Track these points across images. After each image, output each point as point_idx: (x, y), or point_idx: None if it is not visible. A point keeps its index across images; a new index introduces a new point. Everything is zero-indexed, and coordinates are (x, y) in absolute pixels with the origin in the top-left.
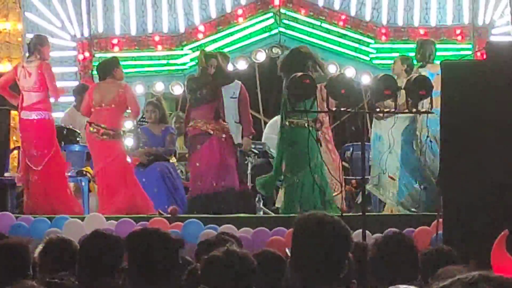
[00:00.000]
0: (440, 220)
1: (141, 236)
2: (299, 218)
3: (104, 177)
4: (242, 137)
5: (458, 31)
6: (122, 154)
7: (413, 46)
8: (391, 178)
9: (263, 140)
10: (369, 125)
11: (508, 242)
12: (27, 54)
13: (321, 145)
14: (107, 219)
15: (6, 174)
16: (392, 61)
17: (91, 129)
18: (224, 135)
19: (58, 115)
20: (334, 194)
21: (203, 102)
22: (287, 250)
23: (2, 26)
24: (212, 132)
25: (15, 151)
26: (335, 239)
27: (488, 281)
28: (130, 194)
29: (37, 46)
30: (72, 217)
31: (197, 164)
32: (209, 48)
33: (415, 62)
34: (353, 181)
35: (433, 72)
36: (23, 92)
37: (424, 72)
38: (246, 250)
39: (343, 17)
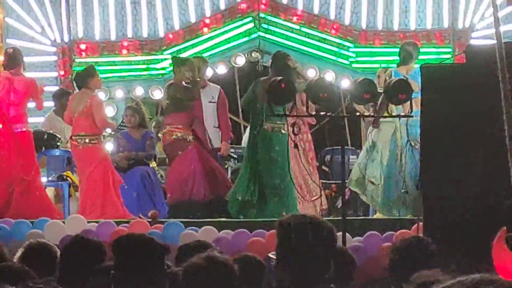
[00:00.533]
0: (421, 223)
1: (127, 242)
2: (282, 220)
3: (90, 183)
4: (221, 141)
5: (437, 35)
6: (105, 158)
7: (392, 50)
8: (371, 182)
9: (243, 143)
10: (364, 132)
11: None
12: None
13: (298, 149)
14: (88, 221)
15: None
16: (371, 65)
17: (74, 141)
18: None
19: (38, 120)
20: (313, 199)
21: (183, 109)
22: (270, 255)
23: None
24: (191, 139)
25: None
26: (320, 238)
27: (490, 283)
28: (115, 200)
29: (20, 59)
30: (52, 220)
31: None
32: (188, 53)
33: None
34: (333, 185)
35: (404, 73)
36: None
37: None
38: (227, 256)
39: (322, 21)
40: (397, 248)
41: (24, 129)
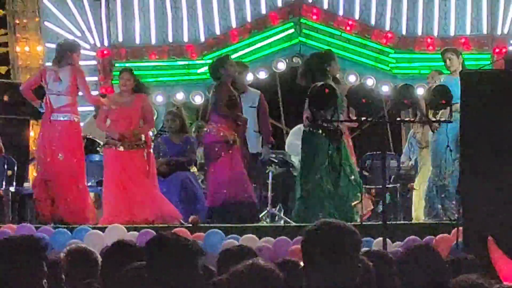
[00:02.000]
0: (460, 228)
1: (160, 243)
2: (309, 227)
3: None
4: (262, 146)
5: (476, 41)
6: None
7: (432, 56)
8: (413, 187)
9: (286, 148)
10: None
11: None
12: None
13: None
14: (128, 229)
15: (25, 185)
16: (411, 71)
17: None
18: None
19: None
20: (354, 203)
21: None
22: (301, 263)
23: (22, 49)
24: (234, 141)
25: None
26: (344, 244)
27: None
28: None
29: (67, 52)
30: (93, 228)
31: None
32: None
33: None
34: (373, 190)
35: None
36: (51, 95)
37: (444, 78)
38: (271, 264)
39: (363, 27)
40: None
41: (69, 119)
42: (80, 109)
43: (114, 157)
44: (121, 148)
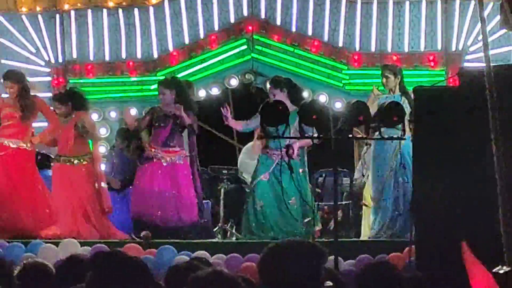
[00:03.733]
0: (413, 246)
1: (107, 257)
2: (269, 247)
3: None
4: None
5: (431, 57)
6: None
7: None
8: (364, 204)
9: (238, 166)
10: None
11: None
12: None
13: (292, 172)
14: (82, 244)
15: None
16: (364, 87)
17: None
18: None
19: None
20: (306, 220)
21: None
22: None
23: None
24: (158, 158)
25: None
26: (307, 262)
27: None
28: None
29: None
30: (47, 242)
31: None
32: (182, 74)
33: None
34: (325, 207)
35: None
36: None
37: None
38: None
39: (316, 43)
40: (362, 274)
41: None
42: (34, 124)
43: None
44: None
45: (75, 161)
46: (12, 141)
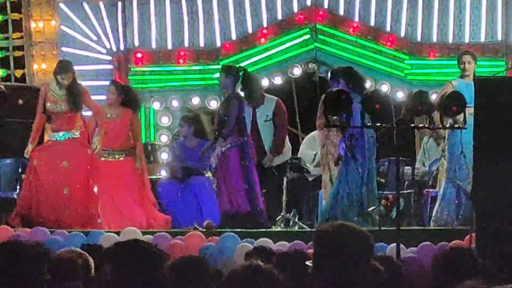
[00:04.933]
0: (473, 234)
1: (121, 249)
2: (319, 229)
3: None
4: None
5: (491, 48)
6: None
7: (446, 62)
8: (427, 193)
9: (299, 154)
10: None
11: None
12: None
13: (356, 160)
14: (143, 233)
15: None
16: (426, 77)
17: None
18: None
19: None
20: (370, 209)
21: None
22: (307, 263)
23: (38, 53)
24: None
25: None
26: (355, 247)
27: None
28: None
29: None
30: (108, 232)
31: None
32: (244, 63)
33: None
34: (390, 196)
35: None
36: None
37: (456, 83)
38: (270, 266)
39: (378, 33)
40: (439, 258)
41: (71, 136)
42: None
43: (104, 168)
44: (110, 159)
45: (122, 156)
46: (60, 133)
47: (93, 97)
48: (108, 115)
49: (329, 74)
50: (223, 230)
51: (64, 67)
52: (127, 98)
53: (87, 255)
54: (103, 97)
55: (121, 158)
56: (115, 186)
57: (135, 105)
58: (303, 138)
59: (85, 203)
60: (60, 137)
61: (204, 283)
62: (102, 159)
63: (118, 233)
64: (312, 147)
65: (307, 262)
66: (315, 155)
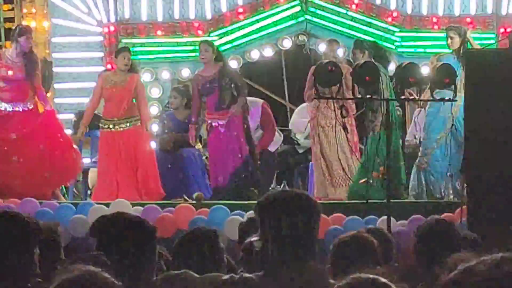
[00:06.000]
0: (464, 207)
1: (109, 223)
2: (260, 201)
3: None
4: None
5: (481, 20)
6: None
7: (436, 35)
8: (418, 166)
9: (290, 125)
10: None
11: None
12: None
13: (348, 131)
14: (133, 205)
15: None
16: (416, 50)
17: None
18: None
19: (84, 101)
20: (360, 181)
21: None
22: (252, 239)
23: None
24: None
25: None
26: (302, 213)
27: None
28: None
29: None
30: (97, 203)
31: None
32: (234, 35)
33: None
34: (381, 168)
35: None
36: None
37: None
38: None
39: (368, 5)
40: (420, 232)
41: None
42: (86, 85)
43: (108, 138)
44: (115, 128)
45: (127, 124)
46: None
47: (83, 69)
48: (113, 81)
49: (353, 44)
50: (213, 202)
51: (26, 29)
52: (133, 63)
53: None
54: (93, 68)
55: (126, 128)
56: (117, 159)
57: (137, 69)
58: (291, 109)
59: (37, 172)
60: (13, 108)
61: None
62: (105, 129)
63: (108, 204)
64: (305, 116)
65: (251, 239)
66: (308, 122)
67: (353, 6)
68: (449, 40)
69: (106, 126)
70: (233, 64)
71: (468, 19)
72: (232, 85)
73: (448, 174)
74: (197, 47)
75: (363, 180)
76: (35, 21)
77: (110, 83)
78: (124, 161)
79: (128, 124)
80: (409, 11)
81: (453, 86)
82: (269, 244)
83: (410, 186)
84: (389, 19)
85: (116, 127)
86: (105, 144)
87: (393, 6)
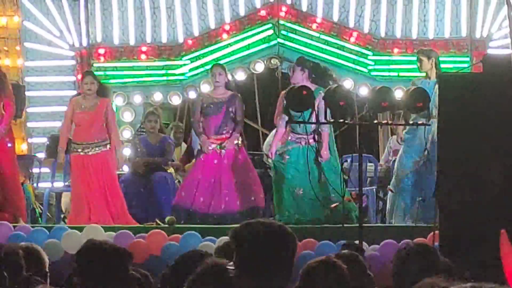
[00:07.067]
0: (437, 232)
1: (89, 249)
2: (237, 229)
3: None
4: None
5: (455, 44)
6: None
7: (410, 58)
8: (390, 190)
9: (263, 148)
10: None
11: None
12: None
13: (320, 156)
14: (105, 229)
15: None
16: (389, 73)
17: None
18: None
19: (57, 124)
20: (333, 206)
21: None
22: (228, 266)
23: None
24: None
25: None
26: (278, 245)
27: None
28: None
29: None
30: (71, 227)
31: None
32: (207, 59)
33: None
34: (353, 192)
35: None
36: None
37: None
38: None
39: (342, 29)
40: (401, 255)
41: None
42: (59, 109)
43: (77, 162)
44: (85, 152)
45: (96, 148)
46: None
47: (55, 92)
48: (83, 106)
49: (296, 60)
50: (184, 226)
51: None
52: (102, 87)
53: (42, 251)
54: (65, 92)
55: (95, 152)
56: (88, 182)
57: (109, 93)
58: (263, 134)
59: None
60: None
61: None
62: (75, 153)
63: (81, 229)
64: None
65: (227, 266)
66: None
67: (314, 26)
68: (419, 63)
69: (75, 150)
70: (205, 88)
71: (442, 42)
72: (236, 117)
73: (418, 199)
74: (169, 70)
75: (334, 205)
76: (7, 46)
77: (80, 108)
78: (95, 185)
79: (97, 149)
80: (382, 35)
81: (426, 111)
82: (244, 271)
83: (387, 210)
84: (362, 43)
85: (86, 150)
86: (75, 168)
87: (366, 29)
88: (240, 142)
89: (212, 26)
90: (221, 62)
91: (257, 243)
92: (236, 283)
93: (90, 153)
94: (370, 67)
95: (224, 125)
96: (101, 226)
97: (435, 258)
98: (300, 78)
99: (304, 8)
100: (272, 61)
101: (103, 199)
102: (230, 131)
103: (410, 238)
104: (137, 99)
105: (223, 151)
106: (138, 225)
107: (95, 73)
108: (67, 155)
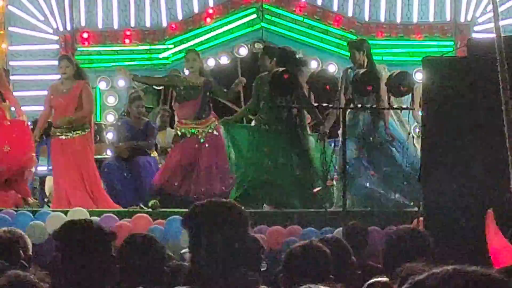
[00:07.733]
0: (421, 218)
1: (69, 229)
2: (190, 211)
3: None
4: None
5: (440, 28)
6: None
7: (394, 42)
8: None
9: None
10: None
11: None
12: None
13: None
14: (90, 213)
15: None
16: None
17: None
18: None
19: (41, 108)
20: (316, 189)
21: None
22: (183, 251)
23: None
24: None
25: None
26: (229, 222)
27: (462, 276)
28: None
29: None
30: (54, 211)
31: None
32: (191, 43)
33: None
34: (336, 176)
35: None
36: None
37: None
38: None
39: (326, 13)
40: (391, 239)
41: None
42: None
43: (56, 146)
44: (62, 137)
45: (74, 132)
46: None
47: (40, 77)
48: (60, 91)
49: (262, 50)
50: (168, 210)
51: None
52: (79, 70)
53: (25, 235)
54: (50, 76)
55: (72, 136)
56: (66, 166)
57: (86, 75)
58: (247, 118)
59: None
60: None
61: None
62: (54, 137)
63: (66, 212)
64: None
65: (183, 251)
66: None
67: (300, 11)
68: (351, 56)
69: (54, 134)
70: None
71: (426, 26)
72: (209, 101)
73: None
74: (153, 55)
75: (317, 189)
76: None
77: (57, 93)
78: (72, 168)
79: (74, 133)
80: (366, 19)
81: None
82: (199, 255)
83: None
84: (346, 26)
85: (64, 135)
86: (54, 151)
87: (350, 13)
88: (215, 124)
89: (196, 10)
90: (205, 46)
91: (208, 223)
92: (192, 268)
93: (69, 136)
94: None
95: (203, 109)
96: (86, 210)
97: (426, 242)
98: (269, 66)
99: None
100: (255, 45)
101: (80, 183)
102: (208, 115)
103: (395, 223)
104: (121, 83)
105: (203, 134)
106: (121, 209)
107: (80, 57)
108: (48, 140)
